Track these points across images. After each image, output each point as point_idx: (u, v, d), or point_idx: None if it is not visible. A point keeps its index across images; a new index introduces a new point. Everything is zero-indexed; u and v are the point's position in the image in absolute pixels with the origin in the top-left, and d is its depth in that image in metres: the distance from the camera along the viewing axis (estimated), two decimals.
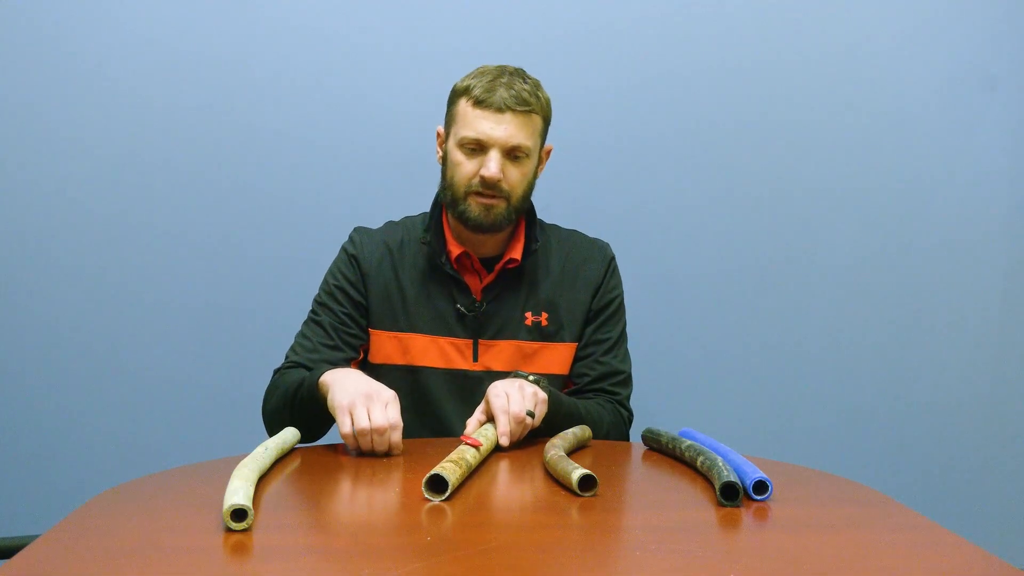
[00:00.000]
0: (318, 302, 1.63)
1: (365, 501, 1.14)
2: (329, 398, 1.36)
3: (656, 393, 2.16)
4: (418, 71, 2.12)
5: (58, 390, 2.13)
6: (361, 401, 1.29)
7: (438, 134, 1.62)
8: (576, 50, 2.16)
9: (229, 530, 0.93)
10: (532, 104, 1.52)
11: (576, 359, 1.63)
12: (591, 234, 1.72)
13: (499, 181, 1.51)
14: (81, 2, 2.09)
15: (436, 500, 1.04)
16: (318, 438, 1.53)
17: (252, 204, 2.14)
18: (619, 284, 1.69)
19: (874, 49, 2.19)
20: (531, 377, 1.44)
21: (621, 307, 1.68)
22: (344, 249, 1.65)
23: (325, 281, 1.64)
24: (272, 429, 1.54)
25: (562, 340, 1.61)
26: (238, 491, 0.97)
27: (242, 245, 2.15)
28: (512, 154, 1.52)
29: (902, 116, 2.20)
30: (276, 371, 1.59)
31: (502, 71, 1.54)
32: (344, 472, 1.22)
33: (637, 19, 2.17)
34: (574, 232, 1.71)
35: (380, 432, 1.27)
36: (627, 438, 1.63)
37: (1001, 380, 2.24)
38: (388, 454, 1.29)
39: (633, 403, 1.68)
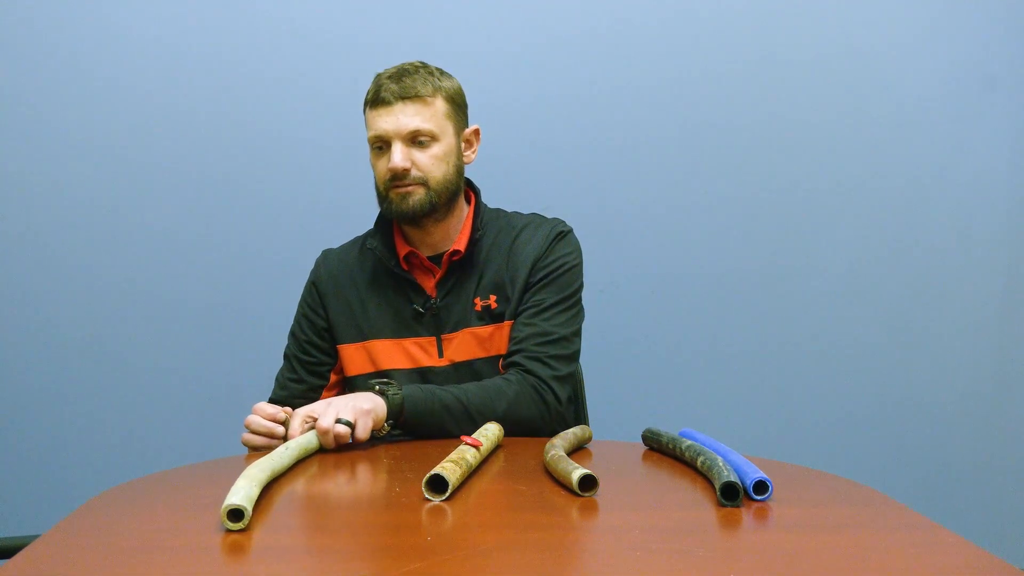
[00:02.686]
0: (290, 332, 1.70)
1: (365, 501, 1.14)
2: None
3: (656, 393, 2.16)
4: None
5: (58, 390, 2.14)
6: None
7: None
8: (575, 51, 2.16)
9: (229, 530, 0.93)
10: (422, 90, 1.54)
11: (512, 328, 1.59)
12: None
13: (407, 170, 1.54)
14: (80, 2, 2.09)
15: (436, 500, 1.04)
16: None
17: (255, 205, 2.15)
18: (565, 255, 1.62)
19: (874, 49, 2.19)
20: (376, 388, 1.43)
21: (565, 274, 1.60)
22: (309, 277, 1.71)
23: (296, 312, 1.70)
24: None
25: (507, 318, 1.60)
26: (239, 491, 0.97)
27: (244, 245, 2.15)
28: (415, 140, 1.55)
29: (902, 116, 2.20)
30: None
31: (396, 69, 1.57)
32: (344, 472, 1.22)
33: (638, 19, 2.17)
34: (531, 214, 1.69)
35: (254, 427, 1.39)
36: (550, 404, 1.52)
37: (1001, 380, 2.24)
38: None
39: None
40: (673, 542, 0.91)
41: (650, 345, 2.18)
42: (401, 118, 1.53)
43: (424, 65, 1.59)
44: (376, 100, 1.54)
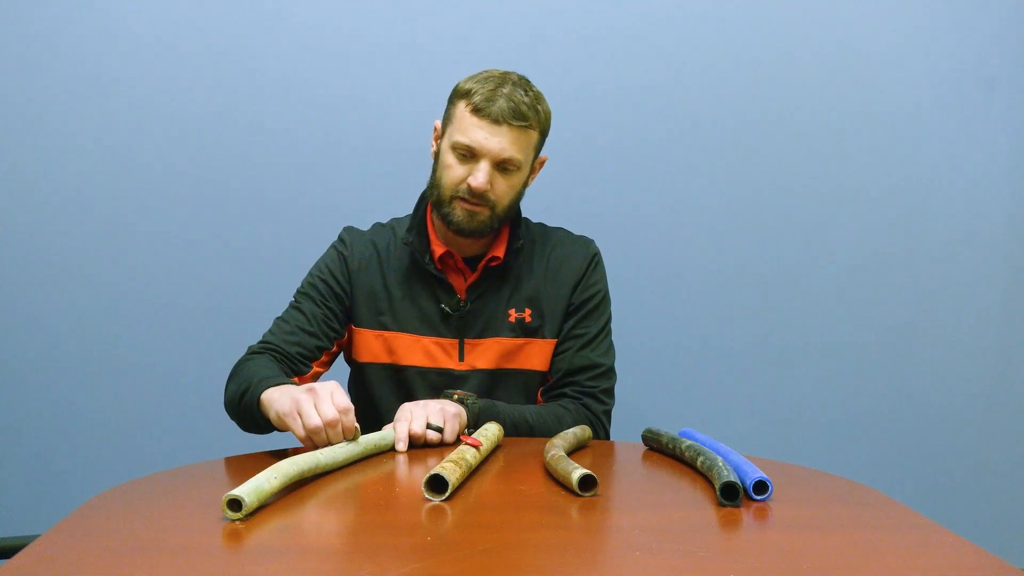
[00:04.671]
0: (300, 291, 1.63)
1: (365, 501, 1.14)
2: (273, 411, 1.33)
3: (656, 393, 2.16)
4: (414, 70, 2.12)
5: (58, 390, 2.13)
6: (305, 399, 1.25)
7: (435, 128, 1.62)
8: (575, 50, 2.16)
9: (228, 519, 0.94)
10: (530, 118, 1.51)
11: (555, 353, 1.62)
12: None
13: (486, 191, 1.51)
14: (80, 2, 2.09)
15: (436, 500, 1.04)
16: (266, 432, 1.49)
17: (254, 205, 2.15)
18: (601, 279, 1.67)
19: (874, 49, 2.19)
20: (455, 397, 1.44)
21: (603, 302, 1.66)
22: (334, 247, 1.67)
23: (310, 274, 1.65)
24: (229, 414, 1.51)
25: (543, 336, 1.61)
26: (249, 483, 0.98)
27: (243, 244, 2.15)
28: (502, 166, 1.52)
29: (902, 116, 2.20)
30: (248, 349, 1.57)
31: (505, 79, 1.53)
32: (344, 472, 1.22)
33: (638, 18, 2.17)
34: (559, 229, 1.70)
35: (332, 424, 1.22)
36: (603, 433, 1.61)
37: (1001, 380, 2.24)
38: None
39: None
40: (673, 542, 0.91)
41: (650, 345, 2.18)
42: (503, 142, 1.49)
43: (528, 83, 1.56)
44: (483, 111, 1.49)
